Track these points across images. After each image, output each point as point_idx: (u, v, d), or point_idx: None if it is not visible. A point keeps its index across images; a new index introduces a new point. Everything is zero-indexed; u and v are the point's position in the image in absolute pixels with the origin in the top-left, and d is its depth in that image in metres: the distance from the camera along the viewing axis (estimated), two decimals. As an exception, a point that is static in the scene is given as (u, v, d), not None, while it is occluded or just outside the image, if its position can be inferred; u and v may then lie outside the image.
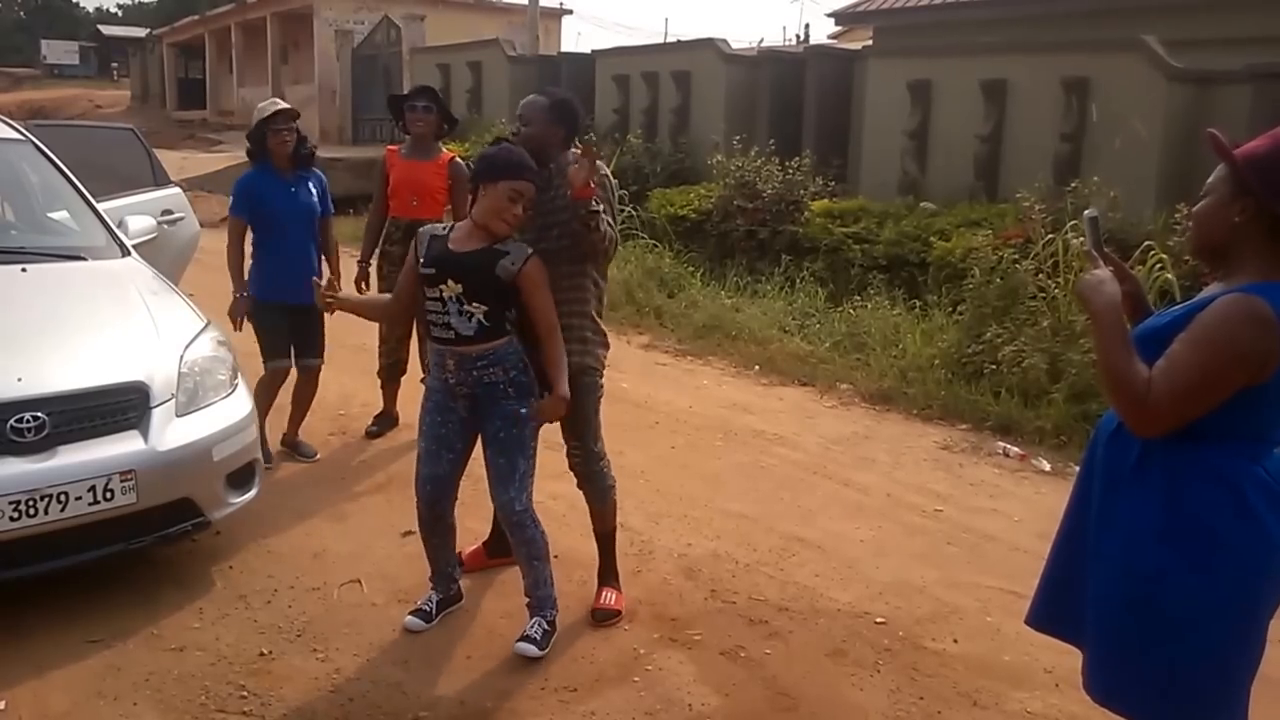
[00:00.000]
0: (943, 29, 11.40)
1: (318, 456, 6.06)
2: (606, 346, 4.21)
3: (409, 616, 4.13)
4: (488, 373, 3.77)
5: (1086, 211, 2.72)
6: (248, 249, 5.80)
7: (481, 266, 3.68)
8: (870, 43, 12.87)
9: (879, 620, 4.30)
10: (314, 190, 5.86)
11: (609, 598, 4.27)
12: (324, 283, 4.01)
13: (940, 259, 9.07)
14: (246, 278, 5.76)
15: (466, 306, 3.70)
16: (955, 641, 4.16)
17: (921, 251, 9.47)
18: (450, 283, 3.71)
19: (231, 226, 5.78)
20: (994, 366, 7.15)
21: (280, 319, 5.70)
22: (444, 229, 3.85)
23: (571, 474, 4.29)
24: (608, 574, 4.35)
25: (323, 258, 5.95)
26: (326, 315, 5.30)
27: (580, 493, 5.48)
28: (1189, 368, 2.22)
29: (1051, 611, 2.70)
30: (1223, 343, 2.21)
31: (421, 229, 3.96)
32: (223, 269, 5.84)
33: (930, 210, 10.10)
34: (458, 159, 6.28)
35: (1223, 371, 2.22)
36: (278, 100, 5.98)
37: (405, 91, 6.65)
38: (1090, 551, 2.50)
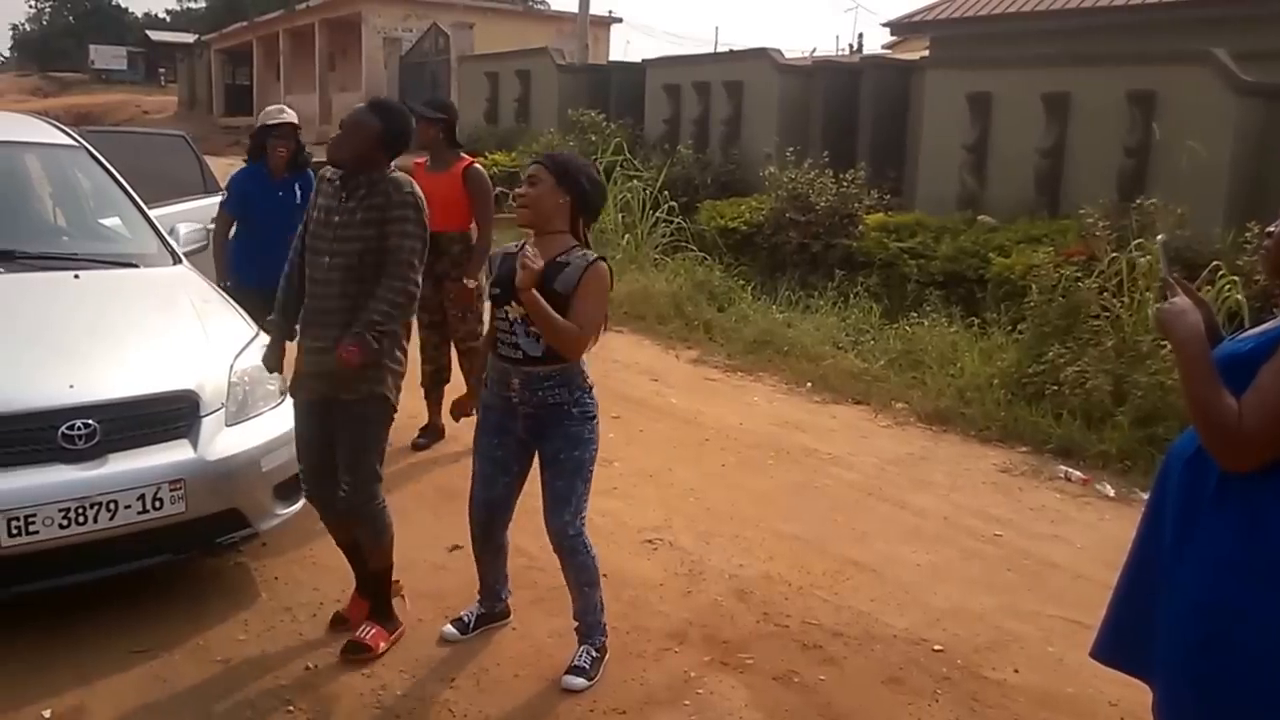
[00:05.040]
0: (1003, 40, 11.25)
1: None
2: (400, 372, 3.94)
3: (447, 626, 4.11)
4: (553, 393, 3.69)
5: (1159, 236, 2.63)
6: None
7: (540, 285, 3.55)
8: (927, 53, 12.73)
9: (937, 648, 4.20)
10: (298, 190, 6.08)
11: (367, 632, 3.96)
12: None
13: (999, 276, 8.91)
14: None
15: (533, 328, 3.61)
16: (1016, 671, 4.05)
17: (980, 268, 9.32)
18: (515, 304, 3.62)
19: (220, 218, 6.14)
20: (1055, 387, 6.97)
21: (256, 302, 5.62)
22: (517, 246, 3.71)
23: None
24: (376, 611, 4.04)
25: None
26: None
27: (631, 509, 5.44)
28: None
29: (1119, 644, 2.59)
30: None
31: (496, 249, 3.91)
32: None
33: (989, 225, 9.94)
34: (475, 166, 6.18)
35: None
36: (285, 109, 6.33)
37: (451, 101, 6.69)
38: (1163, 583, 2.39)
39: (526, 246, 3.54)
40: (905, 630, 4.32)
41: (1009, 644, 4.26)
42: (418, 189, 3.82)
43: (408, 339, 3.97)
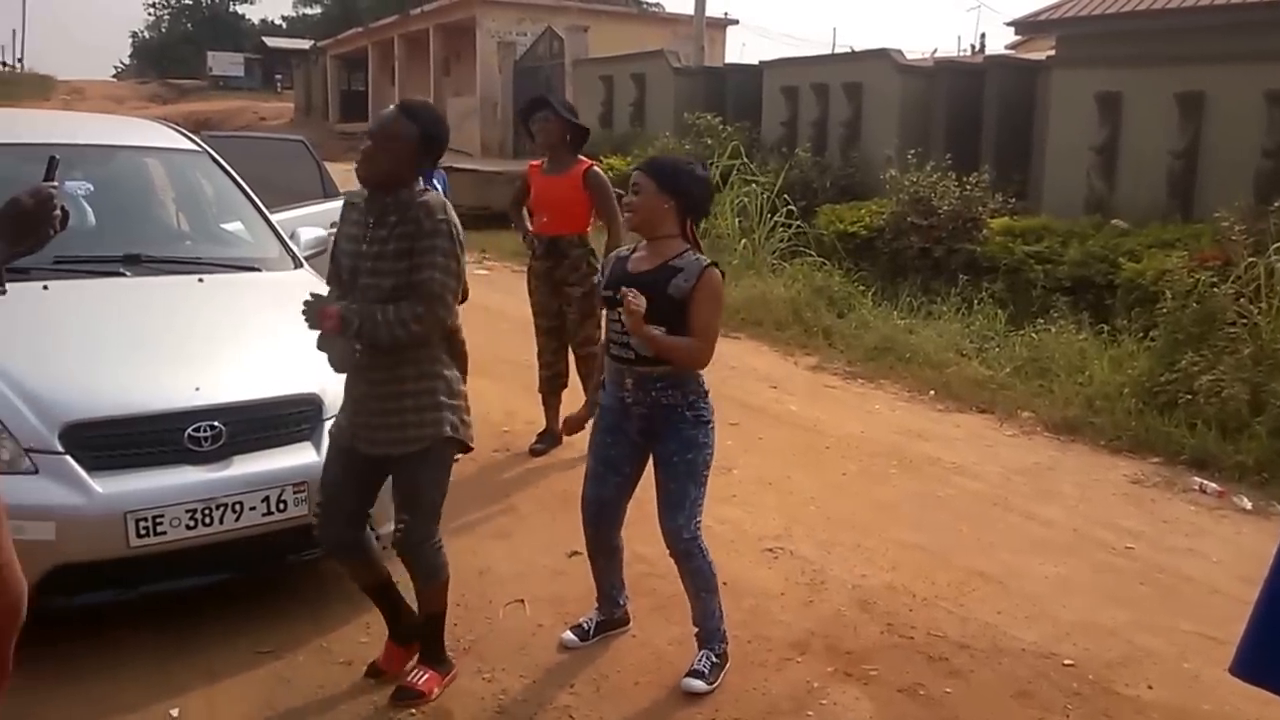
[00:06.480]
0: (1133, 38, 10.86)
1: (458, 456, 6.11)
2: (467, 406, 3.64)
3: (566, 633, 4.11)
4: (666, 394, 3.68)
5: None
6: None
7: (655, 287, 3.58)
8: (1053, 52, 12.41)
9: (1067, 662, 4.06)
10: (437, 187, 5.93)
11: (419, 676, 3.70)
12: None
13: (1130, 281, 8.63)
14: None
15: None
16: (1150, 688, 3.91)
17: (1109, 273, 9.03)
18: None
19: None
20: (1189, 396, 6.69)
21: None
22: (629, 249, 3.78)
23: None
24: (429, 654, 3.77)
25: None
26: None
27: (751, 517, 5.37)
28: None
29: (1260, 661, 2.49)
30: None
31: (612, 252, 3.89)
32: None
33: (1120, 229, 9.62)
34: (595, 168, 6.16)
35: None
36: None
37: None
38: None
39: (628, 293, 3.50)
40: (1034, 644, 4.20)
41: (1142, 659, 4.11)
42: (453, 214, 3.49)
43: (465, 372, 3.80)
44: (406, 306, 3.37)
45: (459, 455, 3.77)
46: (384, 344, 3.40)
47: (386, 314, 3.35)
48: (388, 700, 3.63)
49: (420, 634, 3.79)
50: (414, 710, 3.59)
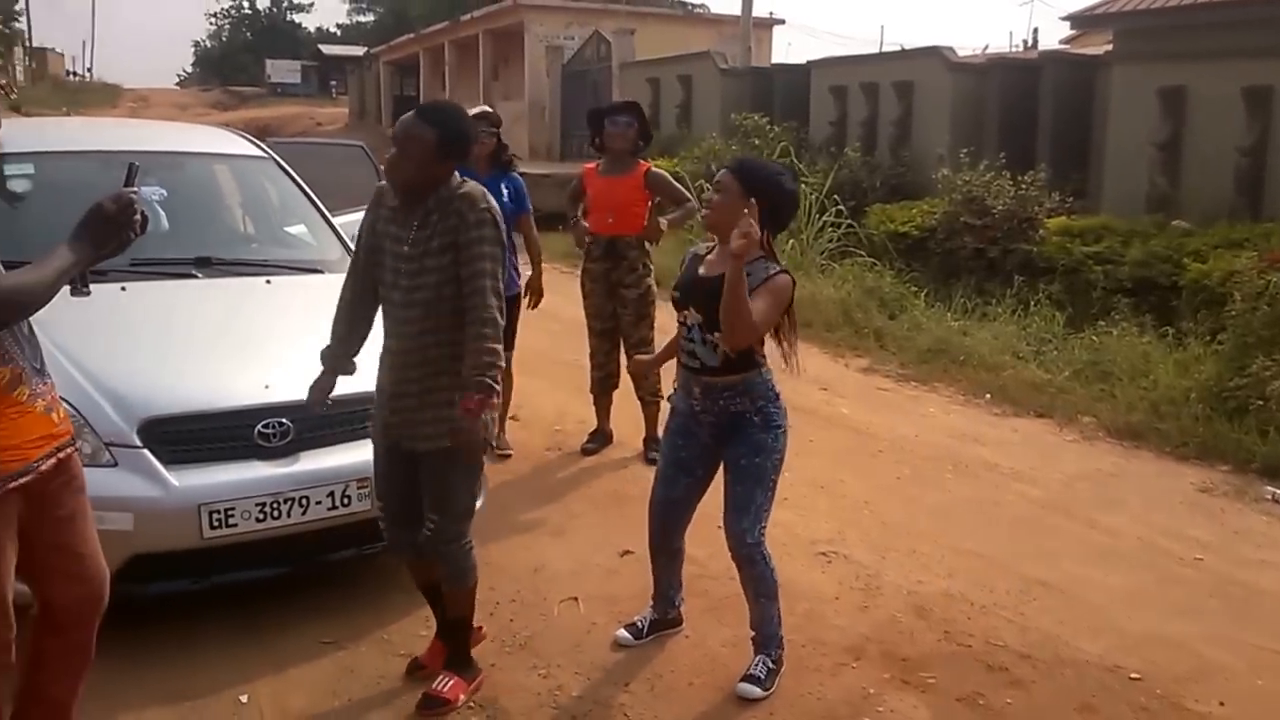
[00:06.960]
0: (1198, 31, 10.57)
1: (510, 453, 6.18)
2: (495, 403, 3.50)
3: (620, 630, 4.13)
4: (734, 402, 3.69)
5: None
6: None
7: (719, 294, 3.48)
8: (1110, 47, 12.19)
9: (1133, 675, 3.98)
10: (506, 191, 5.95)
11: (444, 683, 3.63)
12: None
13: (1195, 282, 8.43)
14: None
15: (709, 337, 3.61)
16: (1221, 704, 3.82)
17: (1173, 274, 8.82)
18: (692, 310, 3.63)
19: None
20: (1261, 402, 6.51)
21: None
22: (706, 248, 3.72)
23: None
24: (454, 659, 3.72)
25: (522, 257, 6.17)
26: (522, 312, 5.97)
27: (803, 520, 5.33)
28: None
29: None
30: None
31: (690, 247, 3.86)
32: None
33: (1184, 229, 9.44)
34: (654, 169, 6.25)
35: None
36: (483, 105, 6.29)
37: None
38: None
39: (746, 222, 3.36)
40: (1098, 656, 4.12)
41: (1213, 675, 4.02)
42: (493, 203, 3.46)
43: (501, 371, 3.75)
44: (475, 328, 3.33)
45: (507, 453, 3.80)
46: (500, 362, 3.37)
47: (483, 347, 3.31)
48: (414, 708, 3.61)
49: (445, 638, 3.79)
50: (471, 703, 3.63)
